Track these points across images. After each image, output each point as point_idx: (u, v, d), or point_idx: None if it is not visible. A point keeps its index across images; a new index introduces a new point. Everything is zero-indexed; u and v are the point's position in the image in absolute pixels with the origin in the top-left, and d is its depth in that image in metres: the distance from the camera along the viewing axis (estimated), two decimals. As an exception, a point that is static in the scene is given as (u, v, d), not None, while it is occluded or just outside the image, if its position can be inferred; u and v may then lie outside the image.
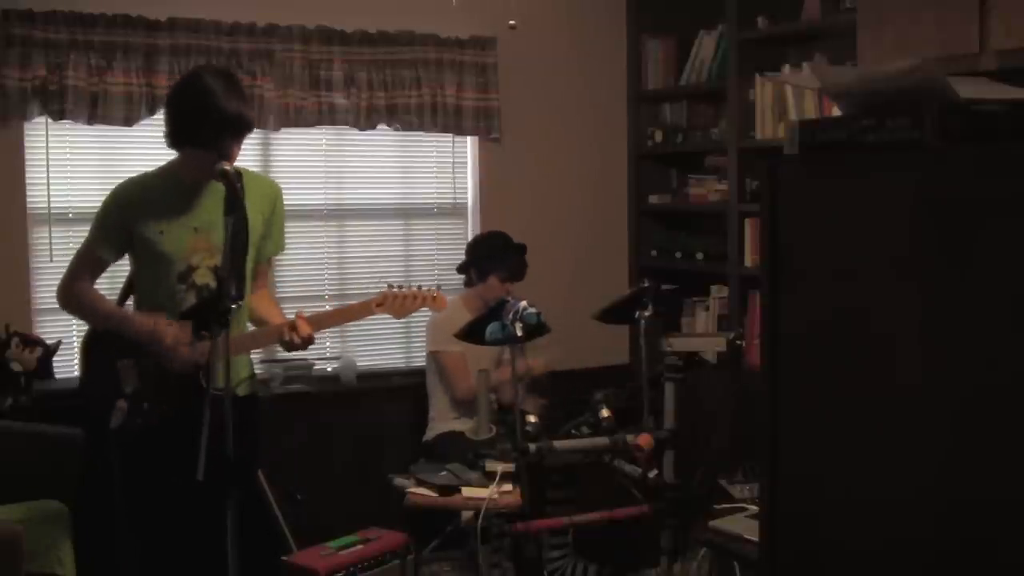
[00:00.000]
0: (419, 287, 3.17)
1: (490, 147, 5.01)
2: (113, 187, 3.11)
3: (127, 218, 3.04)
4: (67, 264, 3.18)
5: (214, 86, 2.93)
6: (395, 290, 3.14)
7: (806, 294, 2.00)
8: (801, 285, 2.01)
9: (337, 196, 4.82)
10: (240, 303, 2.70)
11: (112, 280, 3.38)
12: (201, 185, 3.05)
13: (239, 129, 2.95)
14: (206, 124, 2.90)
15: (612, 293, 3.69)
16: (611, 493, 3.53)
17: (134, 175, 3.14)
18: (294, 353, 3.26)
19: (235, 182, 2.73)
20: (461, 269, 4.56)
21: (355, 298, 4.80)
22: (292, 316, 3.10)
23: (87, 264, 3.12)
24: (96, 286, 3.16)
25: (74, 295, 3.12)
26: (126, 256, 3.15)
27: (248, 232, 2.80)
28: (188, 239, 3.03)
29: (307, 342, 3.06)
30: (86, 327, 3.25)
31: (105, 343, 3.11)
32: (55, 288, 3.15)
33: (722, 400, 4.06)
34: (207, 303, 2.77)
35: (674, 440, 3.26)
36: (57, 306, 3.19)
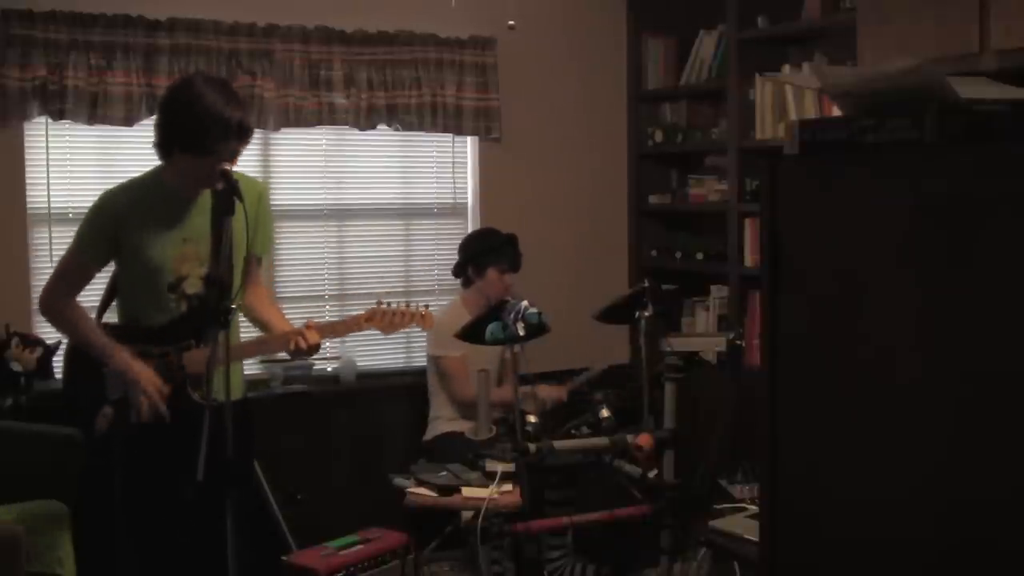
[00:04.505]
0: (407, 304, 3.20)
1: (490, 147, 5.00)
2: (101, 194, 3.07)
3: (114, 228, 3.01)
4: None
5: (204, 90, 2.91)
6: (384, 306, 3.17)
7: (806, 294, 2.00)
8: (801, 285, 2.01)
9: (337, 196, 4.81)
10: (234, 307, 2.69)
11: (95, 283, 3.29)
12: (190, 194, 3.02)
13: (227, 132, 2.89)
14: (199, 128, 2.87)
15: (612, 293, 3.69)
16: (611, 493, 3.53)
17: (119, 183, 3.10)
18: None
19: (235, 182, 2.74)
20: (457, 270, 4.56)
21: (355, 298, 4.82)
22: (296, 321, 3.10)
23: (71, 273, 3.08)
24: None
25: (55, 305, 3.09)
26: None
27: (246, 232, 2.79)
28: (177, 250, 3.01)
29: (314, 349, 3.06)
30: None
31: None
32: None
33: (722, 400, 4.06)
34: (199, 312, 2.77)
35: (674, 440, 3.25)
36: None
